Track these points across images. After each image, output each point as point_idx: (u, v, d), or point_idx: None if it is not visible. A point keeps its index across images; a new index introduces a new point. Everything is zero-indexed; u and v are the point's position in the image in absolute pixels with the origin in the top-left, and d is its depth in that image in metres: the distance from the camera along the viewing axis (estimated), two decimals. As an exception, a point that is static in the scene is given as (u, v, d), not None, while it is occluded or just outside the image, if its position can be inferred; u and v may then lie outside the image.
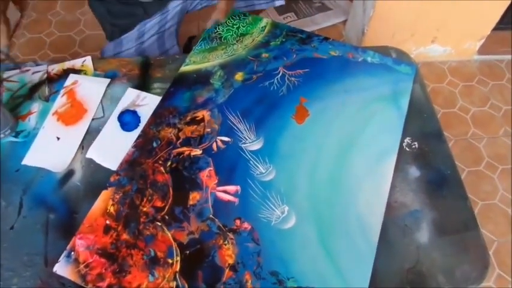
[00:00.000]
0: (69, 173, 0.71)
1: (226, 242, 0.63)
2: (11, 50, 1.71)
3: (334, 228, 0.65)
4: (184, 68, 0.83)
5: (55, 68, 0.84)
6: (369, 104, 0.80)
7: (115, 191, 0.67)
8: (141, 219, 0.64)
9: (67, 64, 0.85)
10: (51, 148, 0.73)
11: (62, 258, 0.60)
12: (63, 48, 1.71)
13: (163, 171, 0.69)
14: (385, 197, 0.69)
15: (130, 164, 0.70)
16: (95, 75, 0.84)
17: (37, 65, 0.84)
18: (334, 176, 0.70)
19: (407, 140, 0.77)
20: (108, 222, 0.64)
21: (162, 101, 0.78)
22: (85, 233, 0.63)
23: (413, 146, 0.76)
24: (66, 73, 0.83)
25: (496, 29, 1.62)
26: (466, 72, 1.72)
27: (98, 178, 0.70)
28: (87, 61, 0.85)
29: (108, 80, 0.82)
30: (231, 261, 0.62)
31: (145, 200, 0.66)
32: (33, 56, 1.69)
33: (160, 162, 0.70)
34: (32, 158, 0.72)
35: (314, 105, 0.79)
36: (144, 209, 0.65)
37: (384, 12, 1.48)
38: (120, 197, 0.66)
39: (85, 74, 0.83)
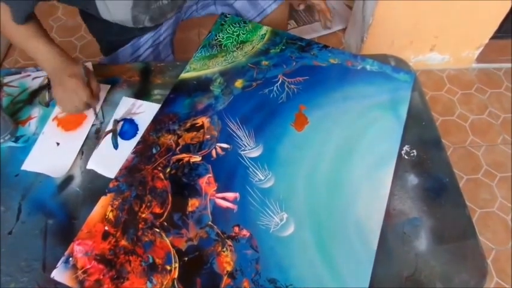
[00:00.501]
0: (69, 179, 0.71)
1: (224, 249, 0.63)
2: (12, 55, 1.72)
3: (333, 234, 0.66)
4: (184, 75, 0.83)
5: (56, 74, 0.84)
6: (368, 112, 0.80)
7: (114, 197, 0.67)
8: (140, 226, 0.64)
9: (68, 70, 0.85)
10: (51, 153, 0.73)
11: (60, 264, 0.60)
12: (63, 54, 1.71)
13: (163, 177, 0.69)
14: (384, 203, 0.69)
15: (129, 170, 0.70)
16: (96, 81, 0.84)
17: (38, 70, 0.85)
18: (333, 183, 0.71)
19: (405, 147, 0.77)
20: (106, 228, 0.64)
21: (162, 107, 0.78)
22: (83, 238, 0.63)
23: (412, 154, 0.77)
24: (66, 79, 0.83)
25: (494, 37, 1.63)
26: (464, 80, 1.73)
27: (97, 184, 0.70)
28: (88, 67, 0.85)
29: (108, 86, 0.83)
30: (229, 268, 0.61)
31: (144, 206, 0.66)
32: (33, 61, 1.69)
33: (159, 168, 0.70)
34: (32, 163, 0.72)
35: (313, 113, 0.79)
36: (143, 215, 0.65)
37: (383, 20, 1.49)
38: (119, 203, 0.66)
39: (85, 79, 0.84)
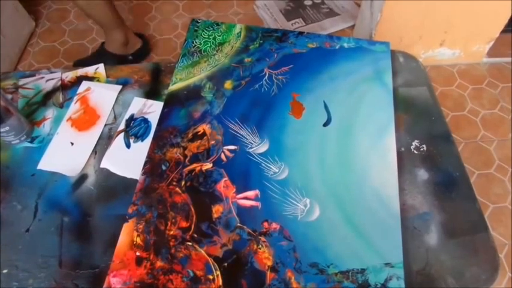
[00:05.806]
0: (83, 177, 0.72)
1: (260, 246, 0.64)
2: (26, 58, 1.75)
3: (357, 208, 0.67)
4: (172, 87, 0.83)
5: (69, 75, 0.86)
6: (356, 87, 0.83)
7: (137, 222, 0.66)
8: (171, 243, 0.64)
9: (80, 71, 0.87)
10: (65, 153, 0.75)
11: None
12: (76, 56, 1.74)
13: (180, 191, 0.69)
14: (395, 169, 0.71)
15: (144, 191, 0.69)
16: (107, 82, 0.86)
17: (51, 72, 0.87)
18: (343, 159, 0.73)
19: (415, 142, 0.77)
20: (138, 253, 0.63)
21: (159, 123, 0.77)
22: (117, 269, 0.62)
23: (422, 149, 0.77)
24: (79, 80, 0.85)
25: (504, 31, 1.62)
26: (475, 75, 1.72)
27: (110, 182, 0.72)
28: (100, 68, 0.87)
29: (119, 87, 0.84)
30: (269, 263, 0.62)
31: (169, 223, 0.66)
32: (47, 64, 1.73)
33: (174, 183, 0.70)
34: (47, 163, 0.74)
35: (306, 98, 0.81)
36: (171, 233, 0.65)
37: (391, 16, 1.48)
38: (144, 226, 0.66)
39: (98, 81, 0.85)
